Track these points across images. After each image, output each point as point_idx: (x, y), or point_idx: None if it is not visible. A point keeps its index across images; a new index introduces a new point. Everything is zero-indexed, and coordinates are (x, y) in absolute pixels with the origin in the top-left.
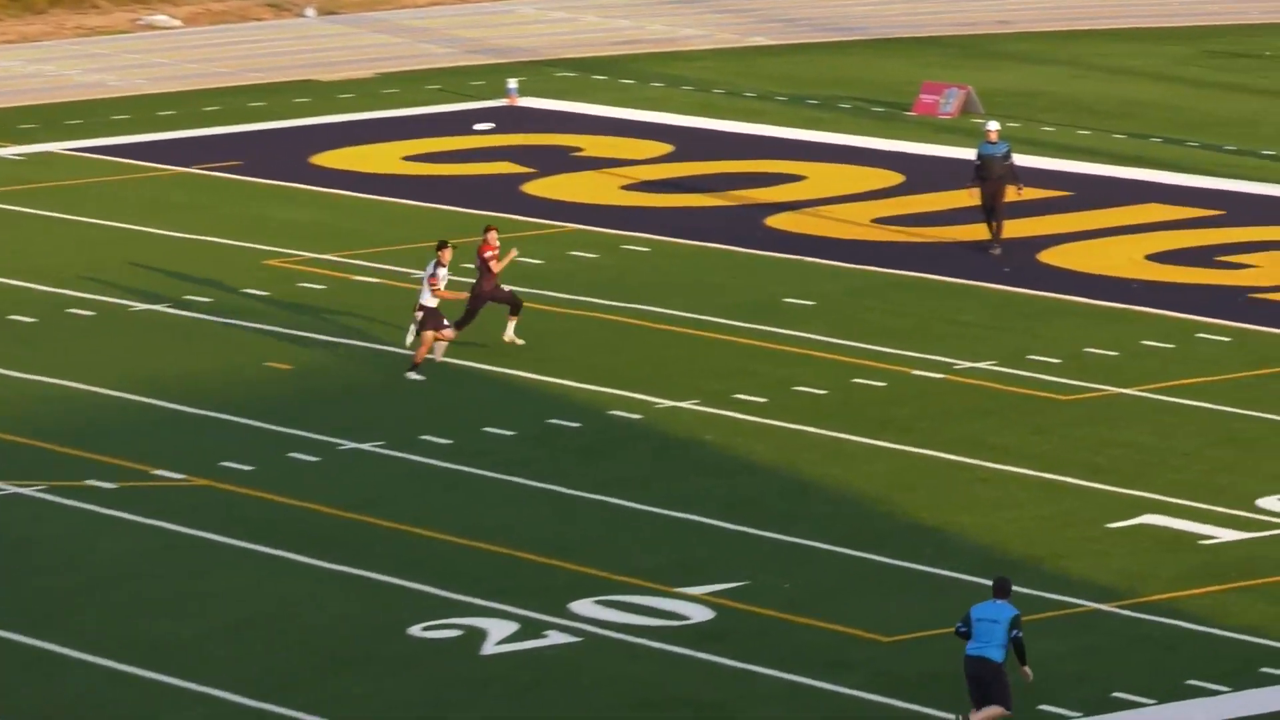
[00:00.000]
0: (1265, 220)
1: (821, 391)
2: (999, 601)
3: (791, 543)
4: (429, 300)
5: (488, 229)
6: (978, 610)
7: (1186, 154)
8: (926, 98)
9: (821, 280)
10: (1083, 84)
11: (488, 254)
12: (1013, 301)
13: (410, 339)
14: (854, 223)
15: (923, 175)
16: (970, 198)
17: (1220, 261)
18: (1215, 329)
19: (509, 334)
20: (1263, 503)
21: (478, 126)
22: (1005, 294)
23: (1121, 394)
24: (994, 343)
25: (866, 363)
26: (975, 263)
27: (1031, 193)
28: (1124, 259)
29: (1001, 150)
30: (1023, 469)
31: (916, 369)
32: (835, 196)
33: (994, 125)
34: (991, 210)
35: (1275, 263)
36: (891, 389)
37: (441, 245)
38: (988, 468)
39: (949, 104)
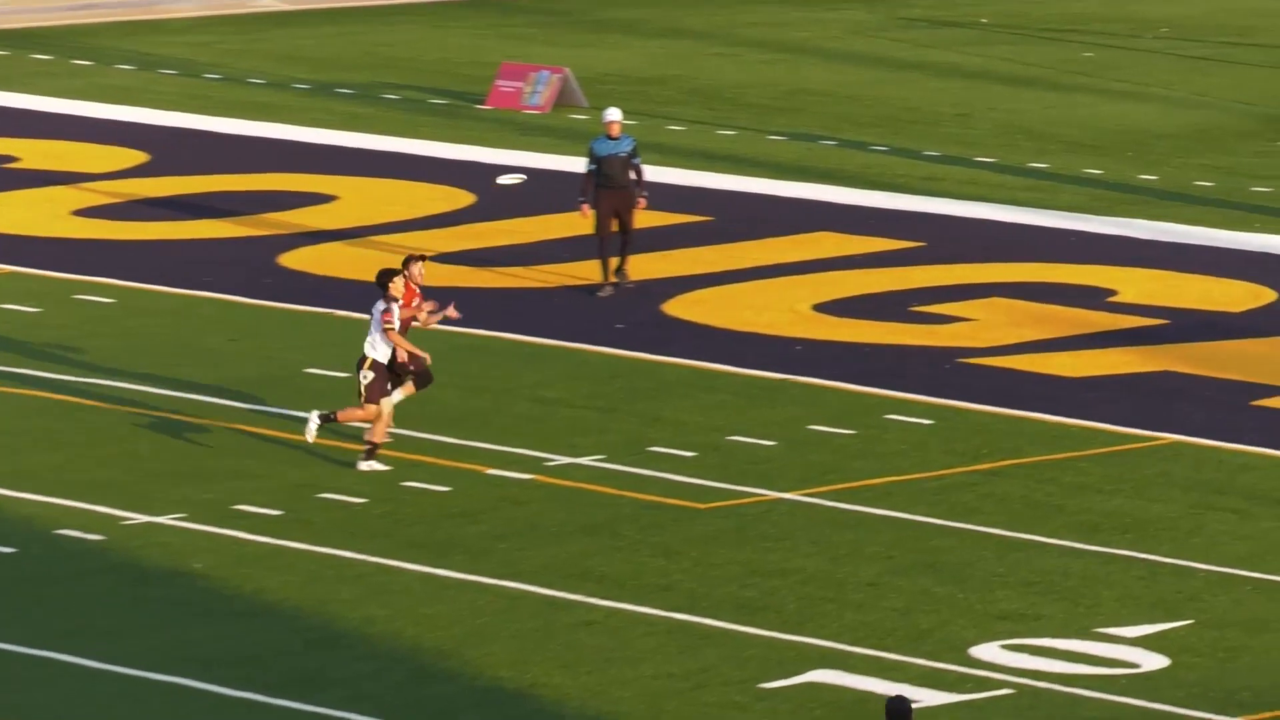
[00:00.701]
0: (978, 254)
1: (359, 500)
2: None
3: (318, 714)
4: (380, 352)
5: (411, 260)
6: None
7: (872, 162)
8: (506, 85)
9: (360, 341)
10: (725, 65)
11: (414, 302)
12: (628, 371)
13: (312, 429)
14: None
15: (495, 194)
16: (583, 219)
17: (918, 313)
18: (910, 408)
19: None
20: (978, 651)
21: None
22: (617, 360)
23: (781, 500)
24: (602, 429)
25: (419, 458)
26: (576, 316)
27: (656, 217)
28: (784, 311)
29: (626, 148)
30: (644, 607)
31: (493, 467)
32: (378, 224)
33: (615, 114)
34: (607, 235)
35: (994, 313)
36: (458, 496)
37: (388, 275)
38: (595, 606)
39: (538, 94)
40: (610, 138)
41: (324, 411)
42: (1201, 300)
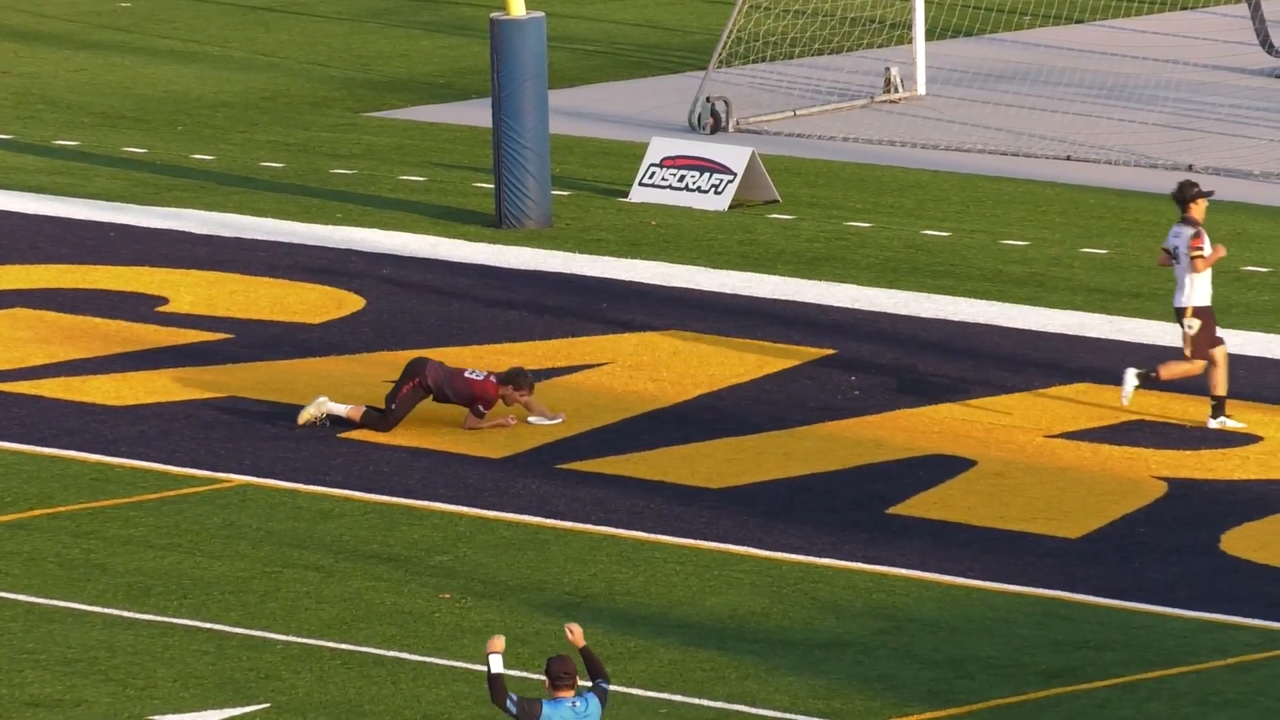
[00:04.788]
0: None
1: None
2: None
3: None
4: (1199, 293)
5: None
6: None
7: None
8: None
9: None
10: None
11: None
12: None
13: (1128, 387)
14: None
15: None
16: None
17: None
18: None
19: None
20: None
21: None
22: None
23: None
24: None
25: None
26: None
27: None
28: None
29: None
30: None
31: None
32: None
33: None
34: None
35: (14, 328)
36: None
37: (1193, 192)
38: None
39: None
40: None
41: (1141, 370)
42: (273, 309)
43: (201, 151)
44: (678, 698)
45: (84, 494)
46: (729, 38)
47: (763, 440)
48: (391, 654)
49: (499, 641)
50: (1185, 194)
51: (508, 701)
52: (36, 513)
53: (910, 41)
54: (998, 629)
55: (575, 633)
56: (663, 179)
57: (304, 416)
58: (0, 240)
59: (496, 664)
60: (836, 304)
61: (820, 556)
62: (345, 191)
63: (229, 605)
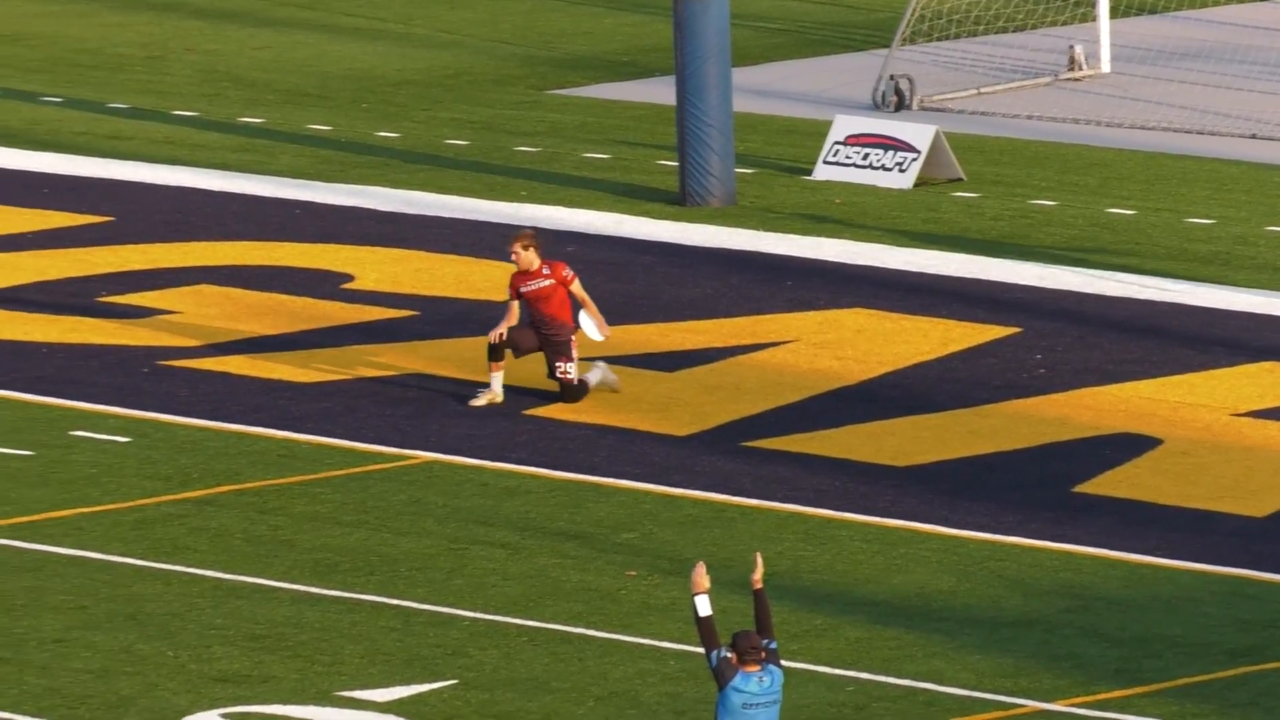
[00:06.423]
0: (180, 231)
1: None
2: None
3: None
4: None
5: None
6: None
7: (42, 116)
8: None
9: None
10: None
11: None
12: None
13: None
14: None
15: None
16: None
17: (107, 305)
18: (101, 422)
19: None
20: None
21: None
22: None
23: None
24: None
25: None
26: None
27: None
28: None
29: None
30: None
31: None
32: None
33: None
34: None
35: (202, 305)
36: None
37: None
38: None
39: None
40: None
41: None
42: (458, 287)
43: (385, 129)
44: (864, 675)
45: (270, 470)
46: (912, 15)
47: (947, 418)
48: (578, 631)
49: (704, 577)
50: None
51: (714, 653)
52: (223, 489)
53: (1095, 19)
54: (1184, 607)
55: (758, 568)
56: (846, 157)
57: (482, 400)
58: (187, 217)
59: (704, 606)
60: (1021, 282)
61: (1006, 534)
62: (529, 169)
63: (415, 582)
